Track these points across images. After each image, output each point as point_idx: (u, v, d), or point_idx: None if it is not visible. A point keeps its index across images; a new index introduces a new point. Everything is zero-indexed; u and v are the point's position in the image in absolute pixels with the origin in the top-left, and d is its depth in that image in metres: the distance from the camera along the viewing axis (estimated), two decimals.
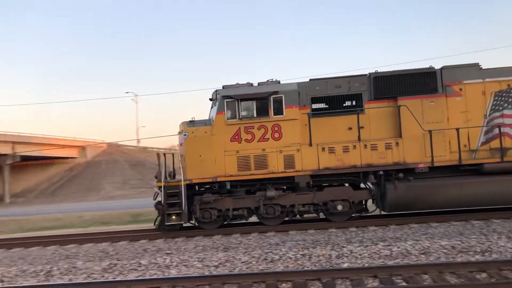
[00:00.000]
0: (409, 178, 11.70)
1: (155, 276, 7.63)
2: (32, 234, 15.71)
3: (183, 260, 8.60)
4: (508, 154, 11.64)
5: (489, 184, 11.51)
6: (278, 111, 12.08)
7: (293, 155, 12.05)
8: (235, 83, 12.51)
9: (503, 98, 11.96)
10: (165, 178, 12.34)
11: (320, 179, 12.24)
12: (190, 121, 12.50)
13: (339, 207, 11.99)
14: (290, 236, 10.90)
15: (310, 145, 11.99)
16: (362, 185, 12.42)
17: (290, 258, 8.29)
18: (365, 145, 11.91)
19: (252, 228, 12.04)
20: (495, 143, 11.84)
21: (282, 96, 12.09)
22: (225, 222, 12.54)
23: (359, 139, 11.94)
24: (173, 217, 12.07)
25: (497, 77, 12.07)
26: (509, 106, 11.87)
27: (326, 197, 12.09)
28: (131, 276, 7.80)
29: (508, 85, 11.98)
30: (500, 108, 11.92)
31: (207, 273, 7.65)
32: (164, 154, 12.75)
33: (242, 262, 8.25)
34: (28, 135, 50.39)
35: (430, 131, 11.71)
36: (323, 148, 11.99)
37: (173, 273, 7.86)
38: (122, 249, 10.58)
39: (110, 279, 7.71)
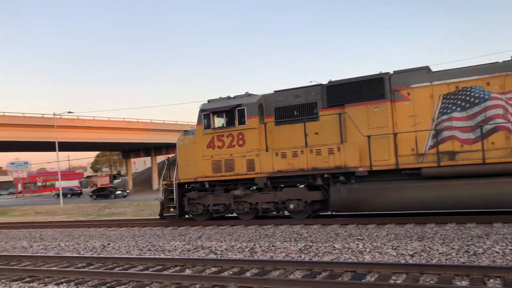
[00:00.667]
0: (351, 181, 12.23)
1: (349, 260, 7.79)
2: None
3: (376, 247, 8.58)
4: (456, 158, 11.34)
5: (428, 188, 11.32)
6: (242, 121, 13.68)
7: (253, 159, 13.54)
8: (218, 97, 14.54)
9: (451, 101, 11.56)
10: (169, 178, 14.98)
11: (278, 180, 13.41)
12: (185, 131, 15.31)
13: (291, 206, 13.12)
14: (495, 228, 9.87)
15: (267, 150, 13.39)
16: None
17: (497, 252, 7.53)
18: (311, 150, 12.79)
19: (449, 218, 11.30)
20: (443, 147, 11.54)
21: (244, 108, 13.66)
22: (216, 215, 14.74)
23: (306, 144, 12.95)
24: (171, 209, 14.58)
25: (445, 79, 11.70)
26: (458, 109, 11.47)
27: (284, 196, 13.26)
28: (327, 258, 8.12)
29: (457, 87, 11.53)
30: (449, 111, 11.60)
31: (403, 261, 7.49)
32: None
33: (440, 253, 7.82)
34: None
35: (368, 137, 11.98)
36: (277, 153, 13.25)
37: (367, 258, 7.91)
38: (316, 232, 11.04)
39: (307, 259, 8.16)
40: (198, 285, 6.69)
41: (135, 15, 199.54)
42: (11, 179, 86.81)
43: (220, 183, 14.26)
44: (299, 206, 13.12)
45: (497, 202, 10.82)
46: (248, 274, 7.26)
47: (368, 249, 8.49)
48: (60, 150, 42.49)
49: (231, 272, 7.45)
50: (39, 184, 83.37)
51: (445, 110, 11.66)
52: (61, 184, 46.23)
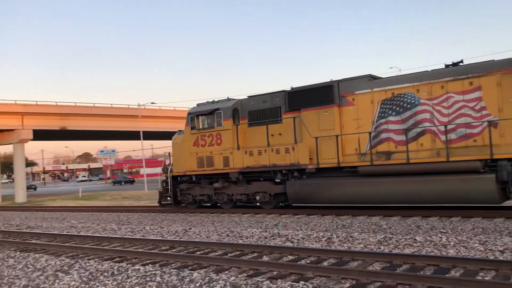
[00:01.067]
0: (303, 177, 13.91)
1: (432, 254, 7.48)
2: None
3: (460, 241, 8.15)
4: (392, 158, 12.46)
5: (362, 184, 12.68)
6: (219, 123, 15.61)
7: (228, 156, 15.46)
8: (205, 101, 16.61)
9: (388, 106, 12.67)
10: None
11: (248, 175, 15.15)
12: (179, 130, 17.49)
13: (257, 197, 15.01)
14: None
15: (238, 149, 15.28)
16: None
17: None
18: (272, 149, 14.45)
19: None
20: (381, 148, 12.72)
21: (221, 112, 15.57)
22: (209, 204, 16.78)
23: (268, 144, 14.69)
24: (168, 198, 17.17)
25: (383, 86, 12.84)
26: (393, 113, 12.57)
27: (253, 189, 15.14)
28: (407, 251, 7.86)
29: (393, 93, 12.59)
30: (386, 115, 12.72)
31: (491, 257, 7.05)
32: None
33: None
34: None
35: (316, 138, 13.49)
36: (246, 152, 15.03)
37: (451, 253, 7.54)
38: (395, 224, 10.72)
39: (386, 251, 7.95)
40: (276, 272, 6.78)
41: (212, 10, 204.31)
42: (101, 166, 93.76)
43: (204, 176, 16.42)
44: (265, 198, 14.97)
45: (419, 198, 11.99)
46: (325, 263, 7.23)
47: (452, 243, 8.09)
48: (144, 139, 44.84)
49: (308, 261, 7.47)
50: (125, 171, 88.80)
51: (383, 114, 12.85)
52: (145, 171, 48.83)
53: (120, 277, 7.09)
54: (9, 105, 39.76)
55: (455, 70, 12.01)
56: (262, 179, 15.09)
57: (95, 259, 8.56)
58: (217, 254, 8.50)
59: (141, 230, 12.51)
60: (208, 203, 16.69)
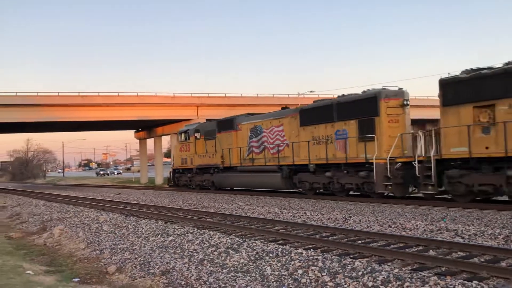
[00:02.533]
0: (220, 171, 24.65)
1: None
2: None
3: None
4: (256, 162, 21.71)
5: (241, 177, 22.91)
6: (188, 138, 27.16)
7: (192, 158, 26.80)
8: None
9: (252, 132, 22.00)
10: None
11: (201, 169, 26.28)
12: (181, 132, 28.55)
13: (204, 183, 26.38)
14: None
15: (196, 153, 26.34)
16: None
17: None
18: (208, 155, 25.20)
19: None
20: (250, 156, 22.25)
21: (189, 132, 27.06)
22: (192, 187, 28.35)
23: (206, 151, 25.50)
24: (172, 182, 30.21)
25: (251, 120, 22.35)
26: (254, 137, 21.82)
27: (203, 177, 26.26)
28: None
29: (254, 125, 21.92)
30: (252, 137, 22.05)
31: None
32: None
33: None
34: None
35: (222, 149, 24.07)
36: (199, 156, 26.09)
37: None
38: None
39: None
40: (444, 268, 6.36)
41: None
42: None
43: (184, 169, 28.48)
44: (208, 183, 25.81)
45: (264, 185, 21.30)
46: (503, 264, 6.53)
47: None
48: None
49: (482, 260, 6.83)
50: None
51: (251, 137, 22.05)
52: None
53: (284, 259, 7.45)
54: (188, 98, 44.52)
55: (275, 113, 21.23)
56: (206, 172, 25.91)
57: (261, 240, 9.13)
58: (378, 244, 8.32)
59: (302, 215, 12.90)
60: (189, 185, 28.16)
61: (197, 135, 26.29)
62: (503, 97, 12.09)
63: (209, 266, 7.97)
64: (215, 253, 8.59)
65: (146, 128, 51.15)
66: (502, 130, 12.00)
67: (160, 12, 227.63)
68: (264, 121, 21.21)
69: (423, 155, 14.22)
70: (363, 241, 8.66)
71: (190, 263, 8.32)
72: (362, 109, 16.19)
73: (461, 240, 8.41)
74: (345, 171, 16.88)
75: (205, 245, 9.21)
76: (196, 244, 9.39)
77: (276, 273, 7.02)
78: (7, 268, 8.34)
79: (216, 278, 7.36)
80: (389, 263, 6.86)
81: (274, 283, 6.73)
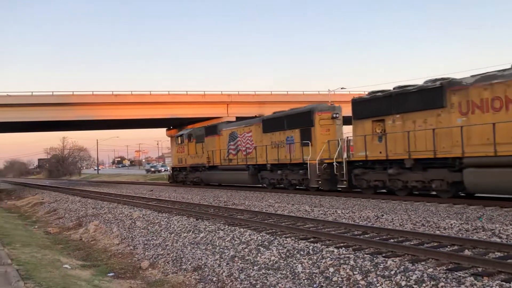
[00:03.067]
0: (206, 169, 29.59)
1: None
2: None
3: None
4: (232, 162, 26.15)
5: (221, 174, 27.52)
6: (183, 141, 32.36)
7: (186, 158, 31.86)
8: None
9: (230, 137, 26.57)
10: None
11: (194, 168, 31.09)
12: (177, 135, 34.50)
13: (195, 179, 31.38)
14: None
15: (189, 154, 31.28)
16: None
17: None
18: (198, 156, 30.16)
19: None
20: (228, 157, 26.72)
21: (183, 135, 32.42)
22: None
23: (196, 152, 30.48)
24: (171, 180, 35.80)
25: (229, 127, 27.09)
26: (231, 141, 26.35)
27: (194, 175, 31.17)
28: None
29: (231, 131, 26.44)
30: (229, 141, 26.58)
31: None
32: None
33: None
34: None
35: (207, 151, 28.85)
36: (191, 157, 30.99)
37: None
38: None
39: None
40: (480, 268, 6.20)
41: None
42: None
43: (180, 168, 33.78)
44: (198, 180, 30.69)
45: (237, 181, 25.81)
46: None
47: None
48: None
49: None
50: None
51: (229, 141, 26.61)
52: None
53: (315, 257, 7.43)
54: (217, 96, 44.87)
55: (246, 122, 25.56)
56: (197, 170, 30.75)
57: (292, 238, 9.12)
58: (412, 243, 8.18)
59: (333, 213, 12.81)
60: (185, 182, 32.76)
61: (190, 138, 31.26)
62: (389, 114, 15.95)
63: (240, 263, 8.03)
64: (246, 250, 8.64)
65: (177, 126, 51.80)
66: (390, 139, 15.92)
67: (188, 9, 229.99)
68: (239, 128, 25.89)
69: (342, 158, 17.99)
70: (395, 240, 8.53)
71: (222, 260, 8.40)
72: (303, 121, 20.51)
73: (498, 240, 8.17)
74: (291, 170, 21.23)
75: (236, 242, 9.28)
76: (227, 241, 9.47)
77: (307, 271, 7.01)
78: (46, 262, 8.64)
79: (247, 275, 7.41)
80: (423, 263, 6.74)
81: (305, 281, 6.72)
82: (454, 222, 10.00)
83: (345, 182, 17.87)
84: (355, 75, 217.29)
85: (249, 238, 9.27)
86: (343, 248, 7.85)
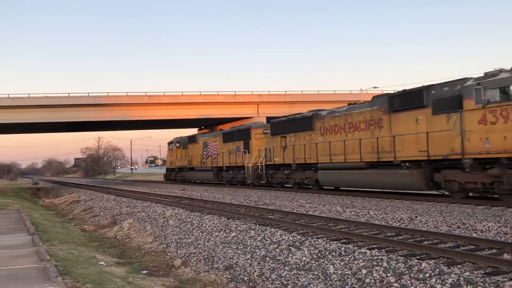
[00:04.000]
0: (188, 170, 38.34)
1: None
2: None
3: None
4: (204, 165, 33.93)
5: (198, 174, 35.97)
6: (173, 148, 40.69)
7: (175, 161, 40.68)
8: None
9: (203, 145, 33.83)
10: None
11: (179, 169, 40.37)
12: (169, 143, 43.45)
13: (181, 178, 40.08)
14: None
15: (176, 158, 40.24)
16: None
17: None
18: (184, 160, 38.50)
19: None
20: (202, 161, 34.17)
21: (174, 143, 40.62)
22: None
23: (182, 157, 38.98)
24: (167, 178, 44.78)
25: (203, 137, 34.80)
26: (204, 148, 33.55)
27: (181, 175, 39.87)
28: None
29: (205, 141, 33.75)
30: (204, 148, 33.85)
31: None
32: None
33: None
34: None
35: (189, 156, 37.41)
36: (178, 160, 39.92)
37: None
38: None
39: None
40: None
41: None
42: None
43: (172, 169, 42.10)
44: (183, 178, 39.47)
45: (206, 179, 34.72)
46: None
47: None
48: None
49: None
50: None
51: (203, 148, 33.83)
52: None
53: (347, 258, 7.36)
54: (248, 96, 45.01)
55: (214, 134, 34.13)
56: (182, 171, 39.03)
57: (323, 239, 9.06)
58: (447, 246, 7.99)
59: (365, 214, 12.64)
60: (176, 180, 40.41)
61: (178, 145, 39.39)
62: (288, 132, 23.34)
63: (271, 263, 8.04)
64: (277, 250, 8.64)
65: (208, 126, 52.32)
66: (288, 150, 23.26)
67: (219, 10, 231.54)
68: (209, 138, 33.91)
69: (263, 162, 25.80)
70: (430, 242, 8.35)
71: (253, 259, 8.43)
72: (245, 135, 28.54)
73: None
74: (238, 170, 29.31)
75: (267, 242, 9.29)
76: (258, 241, 9.49)
77: (339, 272, 6.95)
78: (83, 259, 8.88)
79: (279, 275, 7.41)
80: (459, 266, 6.57)
81: (337, 282, 6.67)
82: (492, 225, 9.71)
83: (264, 179, 26.08)
84: (386, 73, 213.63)
85: (280, 238, 9.27)
86: (376, 250, 7.74)
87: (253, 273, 7.77)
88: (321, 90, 53.18)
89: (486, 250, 7.52)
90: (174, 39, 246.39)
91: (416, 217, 11.48)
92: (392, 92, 18.49)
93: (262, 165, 25.61)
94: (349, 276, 6.71)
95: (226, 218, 12.80)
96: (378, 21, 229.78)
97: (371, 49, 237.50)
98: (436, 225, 10.33)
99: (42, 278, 6.57)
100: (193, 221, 13.02)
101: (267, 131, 26.21)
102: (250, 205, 16.74)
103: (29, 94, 39.32)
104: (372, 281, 6.38)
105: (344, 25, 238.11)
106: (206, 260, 9.14)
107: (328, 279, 6.82)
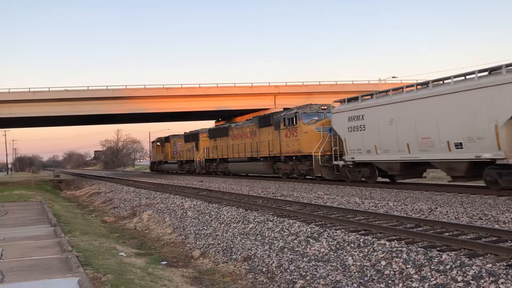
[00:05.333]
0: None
1: None
2: None
3: None
4: (173, 159, 45.64)
5: (169, 166, 46.97)
6: (155, 145, 52.93)
7: (156, 156, 52.20)
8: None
9: (173, 144, 44.82)
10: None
11: (160, 162, 51.04)
12: (153, 142, 58.88)
13: (159, 169, 50.95)
14: None
15: (157, 153, 52.41)
16: None
17: None
18: (161, 155, 49.70)
19: None
20: (173, 155, 45.21)
21: (156, 142, 52.10)
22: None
23: (161, 152, 49.04)
24: (151, 169, 57.86)
25: (174, 138, 45.33)
26: (175, 146, 44.17)
27: (160, 166, 50.66)
28: None
29: (174, 141, 44.67)
30: (174, 146, 44.44)
31: None
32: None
33: None
34: None
35: (165, 152, 48.15)
36: (158, 155, 51.34)
37: None
38: None
39: None
40: None
41: None
42: None
43: (154, 162, 54.45)
44: (161, 169, 49.69)
45: (174, 170, 45.48)
46: None
47: None
48: None
49: None
50: None
51: (173, 146, 44.74)
52: None
53: (366, 250, 7.31)
54: (265, 87, 44.89)
55: (179, 136, 43.84)
56: (161, 164, 49.59)
57: (342, 230, 9.01)
58: (468, 237, 7.87)
59: (384, 205, 12.53)
60: (157, 171, 50.98)
61: (158, 144, 50.16)
62: (217, 137, 33.40)
63: (290, 254, 8.04)
64: (295, 241, 8.63)
65: (225, 118, 52.42)
66: (218, 149, 33.33)
67: (235, 1, 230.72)
68: (177, 139, 43.55)
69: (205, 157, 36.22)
70: (450, 233, 8.24)
71: (271, 251, 8.44)
72: (195, 137, 38.15)
73: None
74: (191, 163, 38.95)
75: (285, 233, 9.29)
76: (276, 232, 9.50)
77: (358, 263, 6.91)
78: (103, 250, 9.02)
79: (297, 266, 7.41)
80: (481, 258, 6.46)
81: (356, 273, 6.64)
82: None
83: (204, 170, 36.49)
84: (405, 63, 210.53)
85: (298, 230, 9.25)
86: (395, 241, 7.66)
87: (271, 264, 7.78)
88: (339, 80, 52.68)
89: (509, 242, 7.38)
90: (191, 32, 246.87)
91: (436, 208, 11.34)
92: (303, 105, 24.28)
93: (203, 159, 36.69)
94: (368, 268, 6.67)
95: (244, 210, 12.84)
96: (396, 8, 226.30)
97: (390, 37, 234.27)
98: (456, 216, 10.19)
99: (64, 269, 6.69)
100: (212, 212, 13.09)
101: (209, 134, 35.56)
102: (267, 196, 16.75)
103: (49, 87, 39.88)
104: (392, 272, 6.33)
105: (359, 15, 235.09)
106: (225, 251, 9.19)
107: (347, 270, 6.80)
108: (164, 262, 8.93)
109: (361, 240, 7.82)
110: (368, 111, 17.84)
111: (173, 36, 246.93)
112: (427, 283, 5.79)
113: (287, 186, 21.15)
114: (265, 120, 26.29)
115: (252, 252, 8.60)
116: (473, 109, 13.34)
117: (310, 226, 9.51)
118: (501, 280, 5.30)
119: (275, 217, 11.02)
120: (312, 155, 21.25)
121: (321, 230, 8.90)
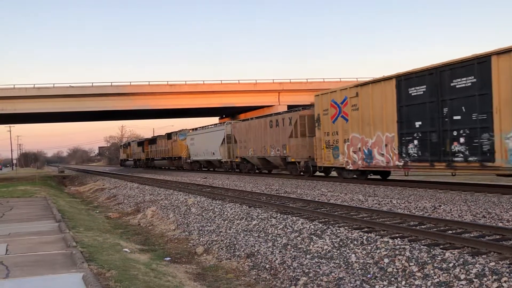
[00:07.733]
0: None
1: None
2: None
3: None
4: (133, 157, 65.21)
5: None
6: (127, 147, 69.66)
7: (123, 156, 74.00)
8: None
9: (132, 147, 64.43)
10: None
11: (126, 160, 70.29)
12: (120, 145, 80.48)
13: (137, 166, 62.15)
14: None
15: (125, 153, 72.19)
16: None
17: None
18: (137, 154, 61.98)
19: None
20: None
21: (125, 145, 73.05)
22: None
23: (131, 152, 64.54)
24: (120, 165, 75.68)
25: (132, 143, 65.53)
26: (132, 149, 64.85)
27: (137, 164, 62.94)
28: None
29: (132, 145, 64.36)
30: (132, 149, 63.67)
31: None
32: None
33: None
34: None
35: (125, 153, 69.85)
36: (126, 154, 69.92)
37: None
38: None
39: None
40: None
41: None
42: None
43: (123, 159, 71.14)
44: (139, 166, 59.86)
45: (131, 165, 65.64)
46: None
47: None
48: None
49: None
50: None
51: (132, 149, 64.14)
52: None
53: (369, 247, 7.32)
54: (269, 84, 44.82)
55: (139, 141, 61.91)
56: (137, 161, 61.81)
57: (345, 227, 9.03)
58: (472, 235, 7.86)
59: (388, 203, 12.53)
60: (125, 165, 69.75)
61: (124, 146, 67.10)
62: (152, 144, 53.29)
63: (293, 251, 8.06)
64: (299, 238, 8.65)
65: (229, 114, 52.44)
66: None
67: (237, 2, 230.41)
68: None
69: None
70: (454, 231, 8.23)
71: (274, 247, 8.47)
72: (141, 144, 57.12)
73: None
74: (139, 161, 58.14)
75: (288, 230, 9.31)
76: (279, 229, 9.52)
77: (361, 261, 6.93)
78: (107, 246, 9.07)
79: (300, 263, 7.42)
80: (484, 256, 6.46)
81: (359, 271, 6.65)
82: None
83: (145, 165, 53.83)
84: (408, 59, 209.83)
85: (302, 227, 9.27)
86: (399, 239, 7.67)
87: (275, 261, 7.81)
88: (343, 77, 52.59)
89: None
90: (195, 29, 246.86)
91: (440, 206, 11.33)
92: (179, 130, 39.77)
93: (144, 159, 53.42)
94: (371, 265, 6.68)
95: (247, 206, 12.87)
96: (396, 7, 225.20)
97: (390, 36, 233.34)
98: (460, 214, 10.17)
99: (69, 264, 6.74)
100: (215, 209, 13.13)
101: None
102: (271, 193, 16.77)
103: (53, 84, 40.00)
104: (395, 270, 6.34)
105: (361, 12, 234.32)
106: (228, 247, 9.22)
107: (350, 267, 6.81)
108: (168, 258, 8.97)
109: (364, 237, 7.83)
110: (195, 136, 38.13)
111: (176, 34, 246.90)
112: (430, 281, 5.80)
113: (290, 183, 21.15)
114: (168, 135, 45.99)
115: (256, 249, 8.63)
116: (214, 139, 32.71)
117: (314, 223, 9.53)
118: (504, 279, 5.30)
119: (279, 214, 11.05)
120: (181, 156, 41.95)
121: (324, 227, 8.92)
